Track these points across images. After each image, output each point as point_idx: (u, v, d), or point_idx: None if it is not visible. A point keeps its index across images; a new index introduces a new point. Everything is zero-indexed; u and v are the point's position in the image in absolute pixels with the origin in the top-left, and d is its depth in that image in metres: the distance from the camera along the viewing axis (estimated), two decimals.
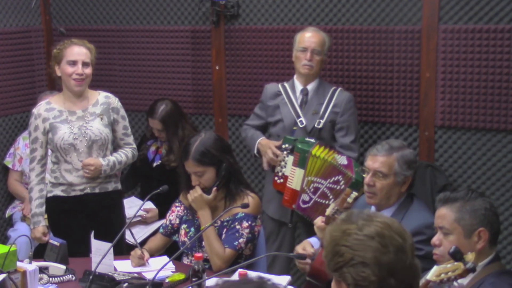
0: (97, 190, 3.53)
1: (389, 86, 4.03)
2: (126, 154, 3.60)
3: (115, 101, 3.59)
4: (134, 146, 3.69)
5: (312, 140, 3.65)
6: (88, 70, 3.46)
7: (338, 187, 3.54)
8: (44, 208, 3.51)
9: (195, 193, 3.04)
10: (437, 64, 3.86)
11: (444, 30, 3.83)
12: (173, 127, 4.18)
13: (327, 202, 3.55)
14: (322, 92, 3.77)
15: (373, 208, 3.01)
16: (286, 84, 3.86)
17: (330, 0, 4.13)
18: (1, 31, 4.64)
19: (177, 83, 4.70)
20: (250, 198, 3.06)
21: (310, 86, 3.78)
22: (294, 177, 3.65)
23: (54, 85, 5.02)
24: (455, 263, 2.14)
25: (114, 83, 4.74)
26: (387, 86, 4.03)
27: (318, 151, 3.58)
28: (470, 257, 2.14)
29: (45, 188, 3.54)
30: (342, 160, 3.58)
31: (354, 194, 2.99)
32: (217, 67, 4.53)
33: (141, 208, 3.46)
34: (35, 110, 3.52)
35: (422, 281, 2.20)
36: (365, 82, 4.09)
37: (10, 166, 4.58)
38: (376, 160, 2.94)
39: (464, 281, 2.30)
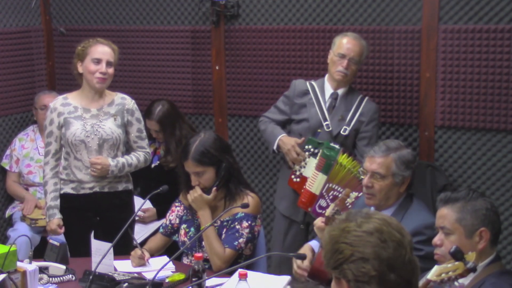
0: (106, 189, 3.55)
1: (389, 86, 4.03)
2: (138, 157, 3.60)
3: (130, 103, 3.60)
4: (148, 150, 3.68)
5: (337, 146, 3.61)
6: (111, 70, 3.49)
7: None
8: (58, 201, 3.53)
9: (195, 193, 3.04)
10: (437, 64, 3.86)
11: (444, 30, 3.83)
12: (170, 128, 4.18)
13: None
14: (351, 99, 3.72)
15: (372, 209, 3.01)
16: (314, 84, 3.78)
17: (330, 0, 4.13)
18: (1, 31, 4.64)
19: (177, 83, 4.70)
20: (250, 198, 3.06)
21: (340, 91, 3.72)
22: (316, 181, 3.63)
23: (54, 85, 5.03)
24: (456, 262, 2.14)
25: (114, 83, 4.70)
26: (387, 86, 4.03)
27: (344, 160, 3.57)
28: (470, 256, 2.14)
29: (60, 181, 3.56)
30: None
31: (354, 194, 3.00)
32: (217, 67, 4.53)
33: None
34: (51, 104, 3.57)
35: (422, 281, 2.20)
36: (365, 82, 4.09)
37: (7, 167, 4.57)
38: (373, 161, 2.94)
39: (465, 281, 2.30)
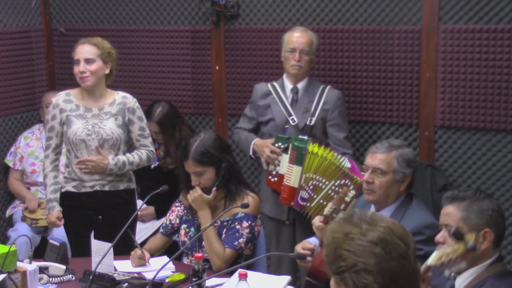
0: (107, 188, 3.54)
1: (389, 86, 4.03)
2: (140, 155, 3.59)
3: (131, 101, 3.58)
4: (151, 148, 3.65)
5: (305, 137, 3.69)
6: (93, 66, 3.47)
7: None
8: (58, 194, 3.55)
9: (195, 193, 3.04)
10: (437, 64, 3.86)
11: (444, 30, 3.83)
12: (170, 130, 4.17)
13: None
14: (312, 90, 3.81)
15: (372, 208, 3.01)
16: (275, 84, 3.89)
17: (330, 0, 4.13)
18: (1, 31, 4.64)
19: (177, 83, 4.70)
20: (250, 198, 3.06)
21: (300, 85, 3.82)
22: (292, 174, 3.66)
23: (54, 85, 5.03)
24: (456, 245, 2.13)
25: (114, 83, 4.70)
26: (387, 86, 4.03)
27: (315, 148, 3.61)
28: (470, 237, 2.13)
29: (59, 175, 3.59)
30: (345, 162, 3.58)
31: (352, 193, 3.00)
32: (217, 67, 4.53)
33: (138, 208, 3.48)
34: (54, 100, 3.58)
35: (422, 268, 2.21)
36: (365, 82, 4.09)
37: (10, 164, 4.57)
38: (375, 157, 2.96)
39: (465, 281, 2.29)
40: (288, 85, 3.84)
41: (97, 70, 3.48)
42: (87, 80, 3.47)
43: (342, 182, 3.56)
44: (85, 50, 3.47)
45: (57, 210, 3.53)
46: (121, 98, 3.58)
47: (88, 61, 3.46)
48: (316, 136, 3.76)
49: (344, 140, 3.77)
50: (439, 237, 2.38)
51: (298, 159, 3.64)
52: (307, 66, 3.78)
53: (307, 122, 3.75)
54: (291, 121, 3.77)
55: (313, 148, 3.61)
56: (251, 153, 3.87)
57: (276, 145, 3.73)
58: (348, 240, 1.72)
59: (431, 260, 2.19)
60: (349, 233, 1.73)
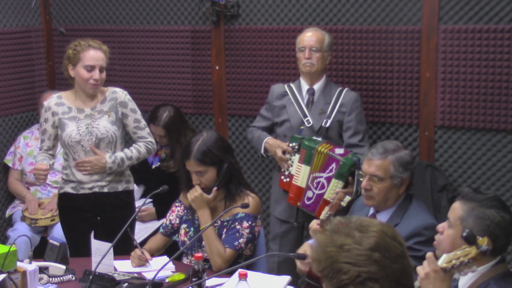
0: (105, 189, 3.53)
1: (389, 86, 4.03)
2: (138, 148, 3.56)
3: (122, 95, 3.55)
4: (150, 139, 3.60)
5: (319, 139, 3.65)
6: (104, 75, 3.48)
7: (332, 174, 3.55)
8: (50, 161, 3.54)
9: (195, 192, 3.04)
10: (437, 64, 3.86)
11: (444, 30, 3.83)
12: (176, 134, 4.17)
13: (324, 191, 3.56)
14: (329, 92, 3.77)
15: (371, 209, 3.01)
16: (292, 85, 3.85)
17: (330, 0, 4.13)
18: (1, 31, 4.64)
19: (177, 83, 4.70)
20: (250, 198, 3.06)
21: (316, 86, 3.78)
22: (300, 174, 3.65)
23: (54, 85, 5.03)
24: (466, 248, 2.13)
25: (114, 84, 4.72)
26: (387, 86, 4.04)
27: (324, 148, 3.58)
28: (482, 241, 2.12)
29: (50, 159, 3.56)
30: (339, 151, 3.58)
31: (348, 198, 2.99)
32: (217, 67, 4.53)
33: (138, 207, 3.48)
34: (45, 103, 3.57)
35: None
36: (365, 82, 4.09)
37: (10, 164, 4.58)
38: (371, 164, 2.93)
39: (469, 281, 2.29)
40: (304, 86, 3.80)
41: (105, 77, 3.50)
42: (97, 87, 3.48)
43: (331, 167, 3.52)
44: (100, 58, 3.45)
45: (46, 162, 3.46)
46: (111, 94, 3.55)
47: (101, 69, 3.45)
48: (332, 138, 3.71)
49: (358, 144, 3.69)
50: (439, 227, 2.39)
51: (307, 158, 3.61)
52: (319, 64, 3.72)
53: (323, 124, 3.71)
54: (306, 123, 3.72)
55: (322, 148, 3.58)
56: (262, 151, 3.83)
57: (291, 144, 3.70)
58: (344, 252, 1.68)
59: (441, 262, 2.17)
60: (343, 244, 1.69)
